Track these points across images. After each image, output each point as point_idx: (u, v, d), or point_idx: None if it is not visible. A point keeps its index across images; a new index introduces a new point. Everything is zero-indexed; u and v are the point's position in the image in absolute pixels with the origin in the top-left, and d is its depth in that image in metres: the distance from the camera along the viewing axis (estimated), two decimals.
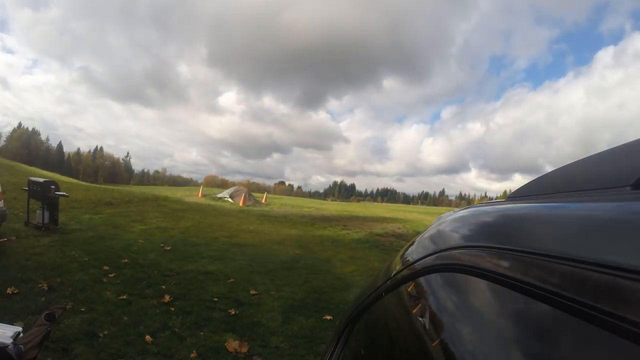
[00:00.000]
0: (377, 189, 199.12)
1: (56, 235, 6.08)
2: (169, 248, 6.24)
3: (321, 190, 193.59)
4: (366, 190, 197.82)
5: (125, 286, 4.04)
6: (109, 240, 6.23)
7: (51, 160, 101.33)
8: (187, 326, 3.21)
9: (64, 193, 7.14)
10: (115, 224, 7.99)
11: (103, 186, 20.58)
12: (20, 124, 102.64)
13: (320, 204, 24.40)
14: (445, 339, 0.34)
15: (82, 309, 3.25)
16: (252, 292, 4.37)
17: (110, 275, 4.33)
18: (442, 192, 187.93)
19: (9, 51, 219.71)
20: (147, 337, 2.88)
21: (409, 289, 0.50)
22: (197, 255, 5.98)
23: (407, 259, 0.57)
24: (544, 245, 0.29)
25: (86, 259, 4.87)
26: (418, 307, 0.43)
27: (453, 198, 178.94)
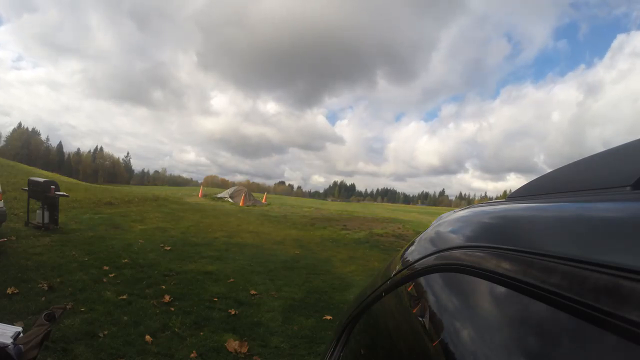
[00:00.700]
0: (377, 189, 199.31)
1: (56, 235, 6.08)
2: (169, 248, 6.23)
3: (321, 190, 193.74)
4: (366, 190, 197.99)
5: (125, 286, 4.04)
6: (109, 240, 6.23)
7: (51, 160, 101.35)
8: (187, 326, 3.21)
9: (64, 193, 7.14)
10: (115, 224, 7.99)
11: (103, 186, 20.58)
12: (20, 124, 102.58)
13: (320, 204, 24.41)
14: (445, 339, 0.34)
15: (82, 309, 3.25)
16: (252, 292, 4.37)
17: (110, 275, 4.32)
18: (442, 192, 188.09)
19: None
20: (147, 337, 2.88)
21: (409, 289, 0.50)
22: (197, 255, 5.98)
23: (407, 259, 0.57)
24: (544, 245, 0.29)
25: (86, 259, 4.87)
26: (418, 307, 0.43)
27: (453, 198, 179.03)
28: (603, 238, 0.25)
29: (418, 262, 0.51)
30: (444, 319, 0.37)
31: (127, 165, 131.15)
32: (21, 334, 0.80)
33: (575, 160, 0.48)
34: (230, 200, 17.84)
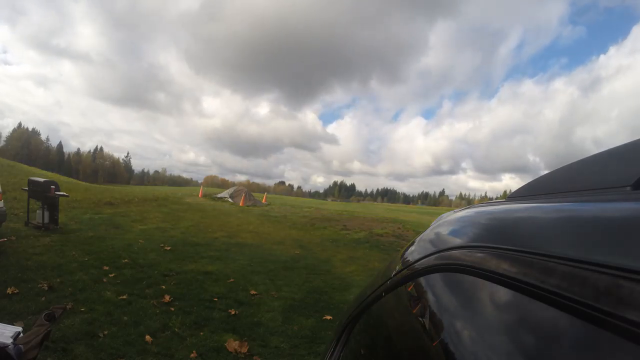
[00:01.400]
0: (377, 189, 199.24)
1: (56, 235, 6.08)
2: (169, 248, 6.23)
3: (321, 190, 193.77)
4: (366, 190, 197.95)
5: (125, 286, 4.04)
6: (109, 240, 6.23)
7: (51, 160, 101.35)
8: (187, 326, 3.21)
9: (64, 193, 7.14)
10: (116, 224, 7.99)
11: (103, 186, 20.57)
12: (20, 124, 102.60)
13: (320, 204, 24.40)
14: (445, 339, 0.34)
15: (82, 309, 3.25)
16: (252, 292, 4.37)
17: (111, 275, 4.33)
18: (442, 192, 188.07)
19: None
20: (147, 337, 2.88)
21: (409, 289, 0.50)
22: (197, 255, 5.98)
23: (407, 259, 0.57)
24: (544, 245, 0.29)
25: (86, 259, 4.87)
26: (418, 307, 0.43)
27: (453, 198, 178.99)
28: (603, 238, 0.25)
29: (418, 262, 0.51)
30: (444, 319, 0.37)
31: (127, 165, 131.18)
32: (21, 334, 0.80)
33: (576, 160, 0.48)
34: (230, 200, 17.83)
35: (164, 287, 4.17)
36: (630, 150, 0.39)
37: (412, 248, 0.60)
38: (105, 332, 2.88)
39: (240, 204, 16.83)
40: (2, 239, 5.21)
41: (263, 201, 20.15)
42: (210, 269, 5.19)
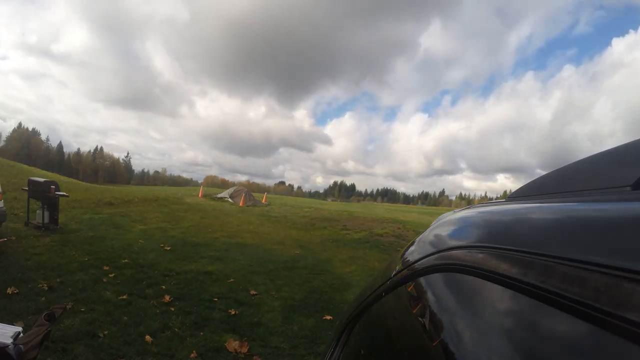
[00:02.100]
0: (377, 189, 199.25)
1: (56, 235, 6.07)
2: (169, 248, 6.24)
3: (321, 190, 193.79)
4: (366, 190, 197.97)
5: (125, 286, 4.04)
6: (109, 240, 6.23)
7: (51, 160, 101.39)
8: (187, 326, 3.21)
9: (64, 193, 7.14)
10: (116, 224, 7.99)
11: (103, 186, 20.57)
12: (20, 124, 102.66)
13: (320, 204, 24.39)
14: (445, 339, 0.34)
15: (82, 309, 3.25)
16: (252, 292, 4.37)
17: (111, 276, 4.33)
18: (442, 193, 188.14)
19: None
20: (147, 337, 2.88)
21: (409, 289, 0.50)
22: (197, 256, 5.98)
23: (407, 259, 0.57)
24: (544, 245, 0.29)
25: (86, 259, 4.87)
26: (418, 307, 0.43)
27: (453, 198, 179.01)
28: (603, 238, 0.25)
29: (418, 262, 0.51)
30: (444, 319, 0.37)
31: (127, 165, 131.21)
32: (21, 334, 0.80)
33: (575, 160, 0.48)
34: (230, 200, 17.83)
35: (164, 287, 4.17)
36: (630, 150, 0.39)
37: (412, 248, 0.60)
38: (105, 332, 2.88)
39: (240, 204, 16.83)
40: (2, 239, 5.21)
41: (263, 201, 20.15)
42: (211, 269, 5.19)
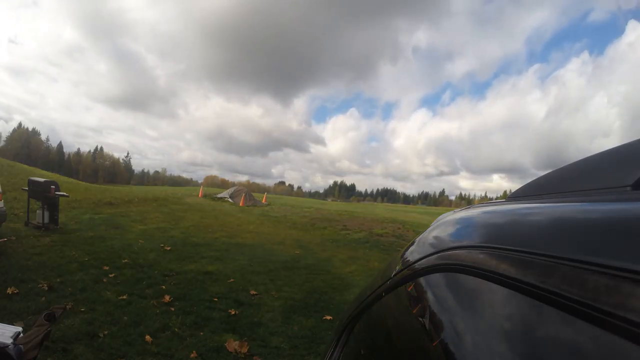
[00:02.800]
0: (377, 189, 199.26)
1: (56, 235, 6.08)
2: (169, 248, 6.24)
3: (321, 190, 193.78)
4: (366, 190, 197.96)
5: (125, 286, 4.04)
6: (109, 240, 6.23)
7: (51, 160, 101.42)
8: (187, 326, 3.21)
9: (64, 193, 7.15)
10: (116, 224, 7.99)
11: (103, 186, 20.57)
12: (20, 124, 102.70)
13: (320, 204, 24.40)
14: (445, 339, 0.34)
15: (82, 309, 3.25)
16: (252, 292, 4.37)
17: (111, 276, 4.33)
18: (442, 193, 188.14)
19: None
20: (147, 337, 2.88)
21: (409, 289, 0.50)
22: (197, 256, 5.98)
23: (407, 259, 0.57)
24: (544, 245, 0.29)
25: (86, 259, 4.87)
26: (418, 307, 0.43)
27: (453, 198, 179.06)
28: (603, 238, 0.25)
29: (418, 262, 0.51)
30: (444, 319, 0.37)
31: (127, 165, 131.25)
32: (21, 334, 0.80)
33: (576, 160, 0.48)
34: (230, 200, 17.83)
35: (164, 287, 4.17)
36: (630, 150, 0.39)
37: (412, 248, 0.60)
38: (105, 332, 2.88)
39: (241, 204, 16.83)
40: (2, 239, 5.21)
41: (263, 201, 20.14)
42: (211, 269, 5.19)
